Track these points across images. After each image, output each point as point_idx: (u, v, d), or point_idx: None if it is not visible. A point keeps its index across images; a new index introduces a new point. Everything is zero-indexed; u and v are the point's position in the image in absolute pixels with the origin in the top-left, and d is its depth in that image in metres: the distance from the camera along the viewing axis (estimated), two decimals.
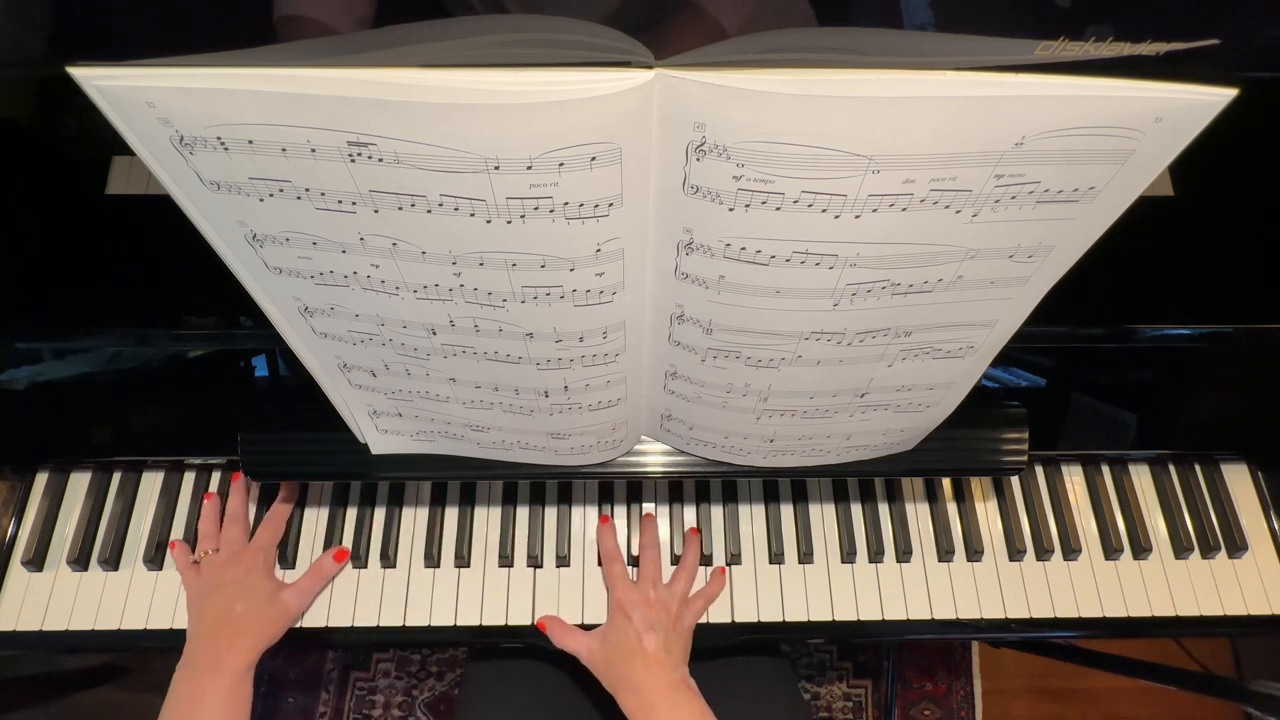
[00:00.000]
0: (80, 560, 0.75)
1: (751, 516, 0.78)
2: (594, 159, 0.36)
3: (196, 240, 0.43)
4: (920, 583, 0.76)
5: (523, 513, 0.78)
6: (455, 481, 0.78)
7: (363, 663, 1.41)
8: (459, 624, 0.74)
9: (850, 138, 0.35)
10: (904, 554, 0.77)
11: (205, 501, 0.76)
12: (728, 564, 0.76)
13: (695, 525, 0.78)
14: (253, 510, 0.78)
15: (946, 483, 0.80)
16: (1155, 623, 0.75)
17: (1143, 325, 0.70)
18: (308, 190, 0.38)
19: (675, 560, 0.76)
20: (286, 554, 0.75)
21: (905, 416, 0.60)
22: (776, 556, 0.76)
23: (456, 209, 0.38)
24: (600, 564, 0.76)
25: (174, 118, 0.35)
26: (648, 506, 0.78)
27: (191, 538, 0.76)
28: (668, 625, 0.69)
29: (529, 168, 0.36)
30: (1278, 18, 0.59)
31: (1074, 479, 0.81)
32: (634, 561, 0.76)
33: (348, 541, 0.76)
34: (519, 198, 0.38)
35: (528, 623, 0.74)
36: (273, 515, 0.75)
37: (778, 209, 0.39)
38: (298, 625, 0.73)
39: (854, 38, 0.37)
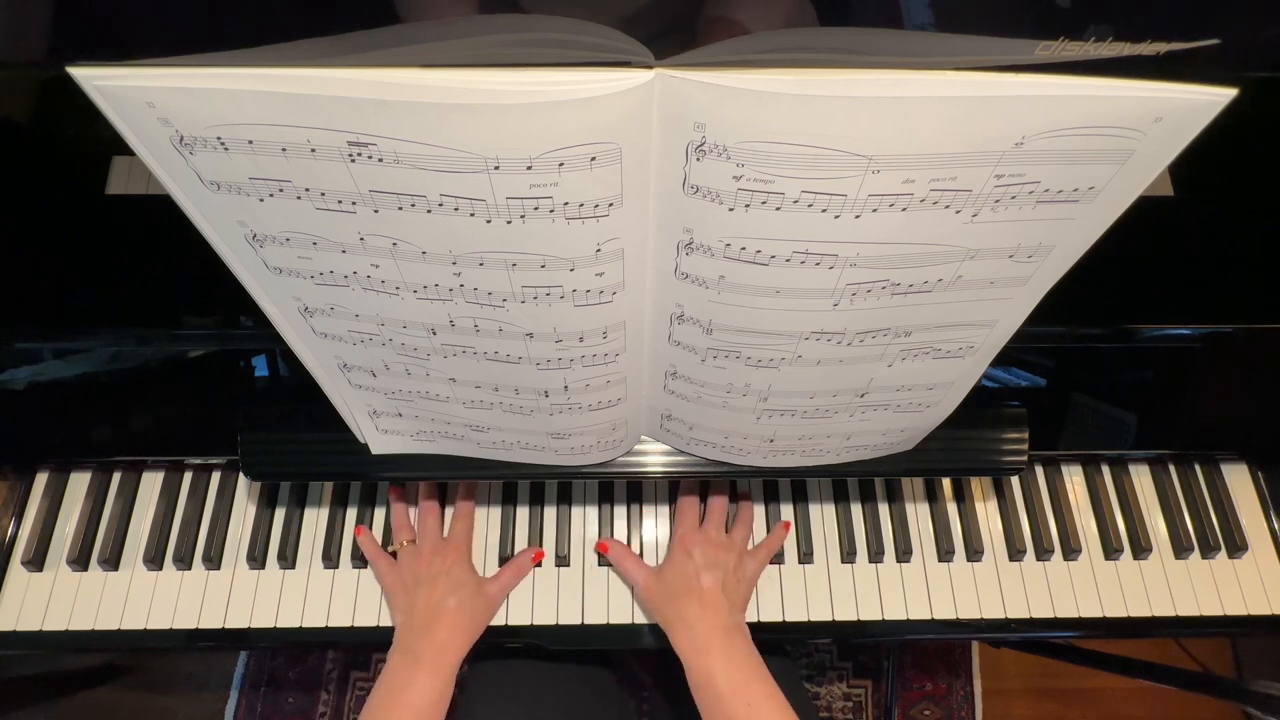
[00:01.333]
0: (80, 560, 0.75)
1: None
2: (594, 159, 0.36)
3: (196, 240, 0.43)
4: (920, 583, 0.76)
5: (522, 513, 0.78)
6: (455, 481, 0.78)
7: (363, 663, 1.41)
8: None
9: (850, 138, 0.35)
10: (904, 554, 0.77)
11: (392, 493, 0.76)
12: None
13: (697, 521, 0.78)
14: (253, 510, 0.78)
15: (946, 483, 0.80)
16: (1155, 623, 0.75)
17: (1143, 325, 0.70)
18: (308, 190, 0.38)
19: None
20: (286, 553, 0.75)
21: (905, 416, 0.60)
22: (776, 557, 0.76)
23: (456, 209, 0.38)
24: (601, 564, 0.76)
25: (174, 118, 0.35)
26: (648, 507, 0.79)
27: (192, 538, 0.76)
28: (728, 568, 0.69)
29: (529, 168, 0.36)
30: (1278, 18, 0.59)
31: (1074, 479, 0.81)
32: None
33: (348, 541, 0.76)
34: (519, 198, 0.38)
35: (528, 623, 0.74)
36: (462, 508, 0.76)
37: (778, 209, 0.39)
38: (298, 625, 0.73)
39: (854, 38, 0.37)
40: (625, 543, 0.76)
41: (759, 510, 0.78)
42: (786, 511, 0.79)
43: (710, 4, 0.63)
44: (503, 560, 0.76)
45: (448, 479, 0.77)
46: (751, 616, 0.74)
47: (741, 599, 0.70)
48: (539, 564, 0.76)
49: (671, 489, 0.79)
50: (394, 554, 0.73)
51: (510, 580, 0.74)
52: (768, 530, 0.77)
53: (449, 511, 0.77)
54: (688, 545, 0.70)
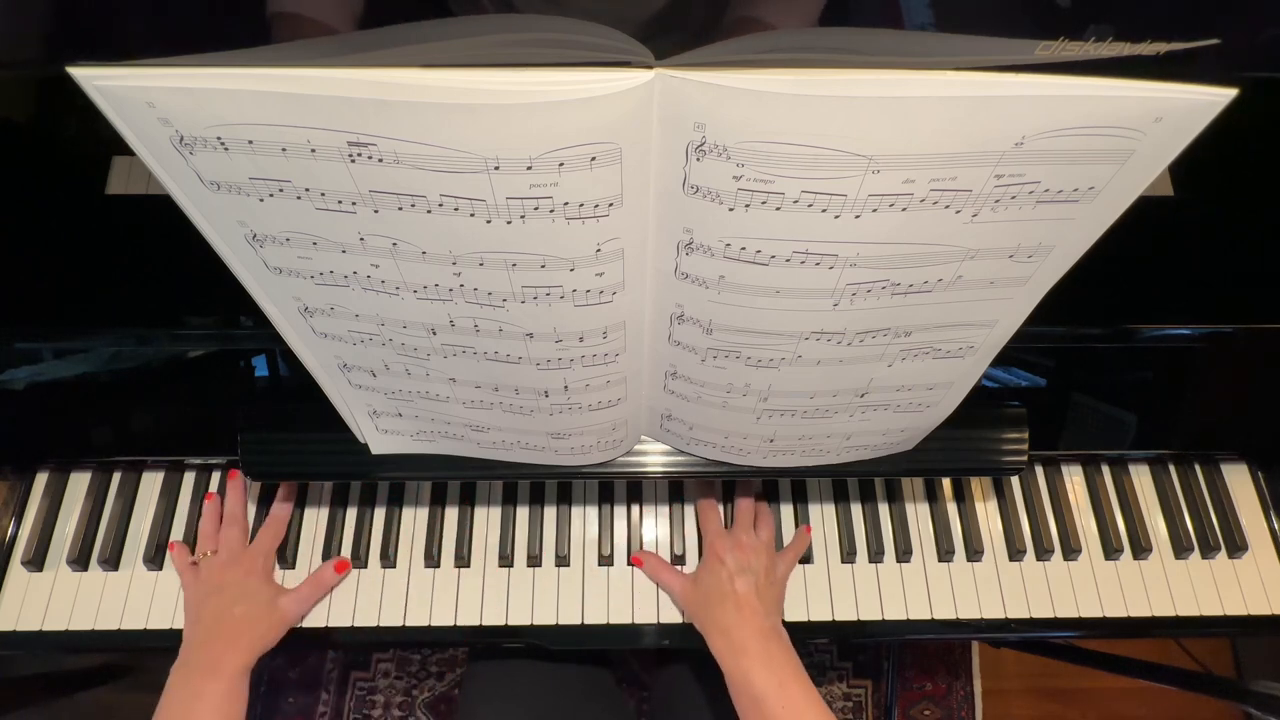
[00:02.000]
0: (80, 560, 0.75)
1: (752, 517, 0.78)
2: (594, 159, 0.36)
3: (196, 240, 0.43)
4: (920, 583, 0.76)
5: (523, 513, 0.78)
6: (455, 481, 0.78)
7: (363, 663, 1.41)
8: (459, 624, 0.74)
9: (850, 138, 0.35)
10: (904, 554, 0.77)
11: (206, 502, 0.75)
12: None
13: (698, 521, 0.78)
14: (252, 510, 0.78)
15: (946, 483, 0.80)
16: (1155, 623, 0.75)
17: (1143, 325, 0.70)
18: (308, 190, 0.38)
19: (676, 561, 0.76)
20: (286, 554, 0.75)
21: (905, 416, 0.60)
22: None
23: (456, 209, 0.38)
24: (599, 564, 0.76)
25: (174, 118, 0.35)
26: (648, 507, 0.79)
27: (192, 538, 0.76)
28: (760, 571, 0.69)
29: (529, 168, 0.36)
30: (1278, 18, 0.60)
31: (1074, 479, 0.81)
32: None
33: (348, 541, 0.76)
34: (519, 198, 0.38)
35: (528, 623, 0.74)
36: (273, 518, 0.75)
37: (778, 209, 0.39)
38: (298, 625, 0.73)
39: (854, 38, 0.37)
40: (625, 543, 0.76)
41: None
42: (786, 511, 0.79)
43: (738, 4, 0.63)
44: (502, 561, 0.76)
45: (448, 479, 0.77)
46: None
47: (776, 601, 0.70)
48: (344, 573, 0.74)
49: (672, 489, 0.79)
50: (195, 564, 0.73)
51: (309, 593, 0.72)
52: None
53: (423, 514, 0.77)
54: (719, 551, 0.70)
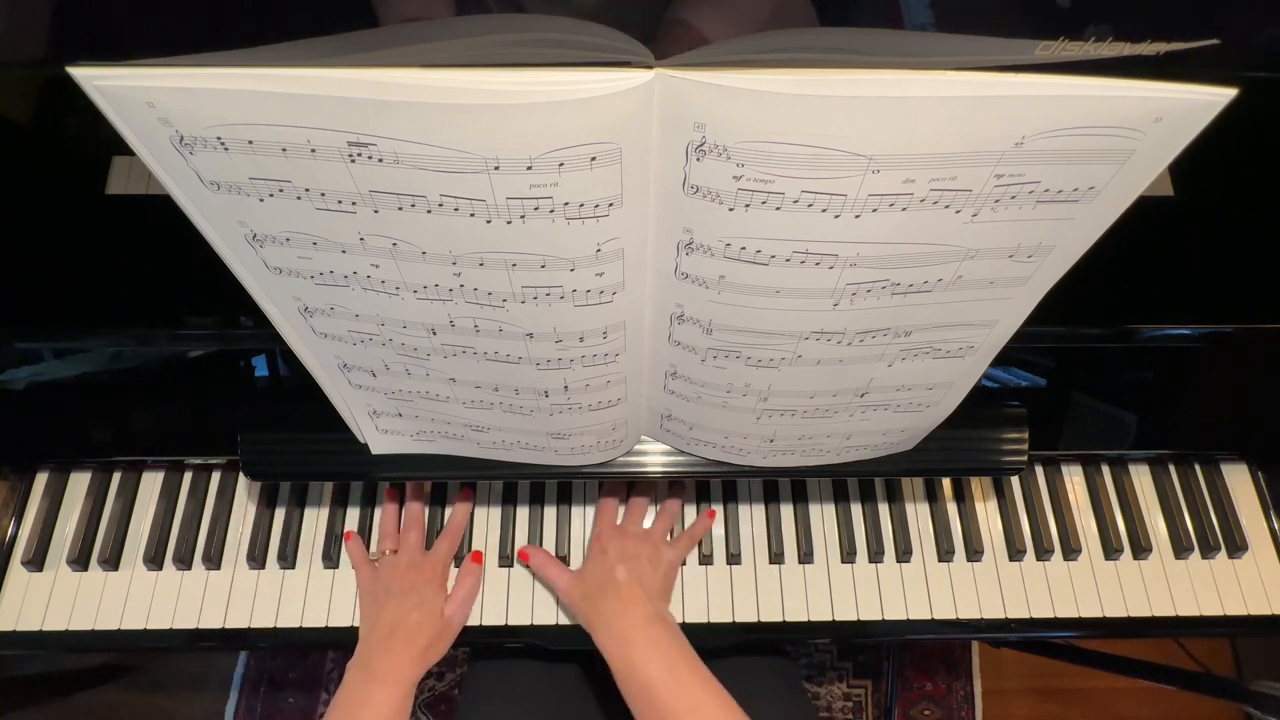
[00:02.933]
0: (80, 560, 0.75)
1: (751, 516, 0.78)
2: (594, 159, 0.36)
3: (196, 240, 0.43)
4: (920, 583, 0.76)
5: (522, 513, 0.78)
6: (455, 481, 0.78)
7: None
8: None
9: (850, 138, 0.35)
10: (904, 554, 0.77)
11: (386, 498, 0.76)
12: (728, 563, 0.76)
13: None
14: (253, 511, 0.78)
15: (946, 483, 0.80)
16: (1155, 623, 0.75)
17: (1143, 325, 0.70)
18: (308, 190, 0.38)
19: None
20: (286, 553, 0.75)
21: (905, 416, 0.60)
22: (776, 556, 0.76)
23: (456, 209, 0.38)
24: None
25: (174, 118, 0.35)
26: (648, 507, 0.78)
27: (193, 538, 0.76)
28: (643, 558, 0.69)
29: (529, 168, 0.36)
30: (1278, 18, 0.59)
31: (1074, 479, 0.81)
32: None
33: None
34: (519, 198, 0.38)
35: (528, 623, 0.74)
36: (452, 525, 0.75)
37: (778, 209, 0.39)
38: (299, 626, 0.73)
39: (854, 38, 0.37)
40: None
41: (758, 510, 0.78)
42: (787, 511, 0.79)
43: (673, 6, 0.62)
44: (502, 561, 0.76)
45: (448, 479, 0.77)
46: (750, 617, 0.74)
47: (659, 587, 0.69)
48: (481, 564, 0.75)
49: (671, 489, 0.79)
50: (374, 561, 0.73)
51: (466, 594, 0.72)
52: (767, 529, 0.77)
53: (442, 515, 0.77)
54: (603, 542, 0.70)
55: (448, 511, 0.78)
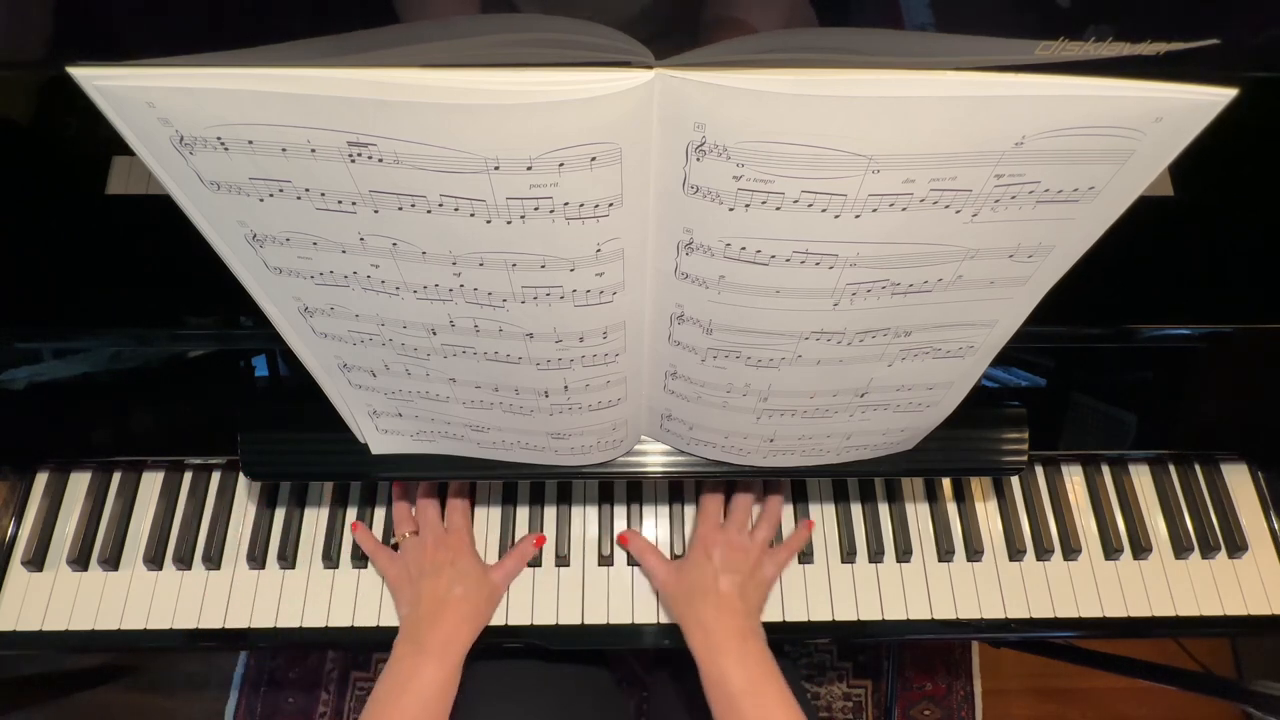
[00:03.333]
0: (80, 560, 0.75)
1: (751, 517, 0.78)
2: (594, 159, 0.36)
3: (196, 240, 0.43)
4: (920, 583, 0.76)
5: (522, 513, 0.78)
6: (455, 481, 0.78)
7: (363, 663, 1.41)
8: None
9: (850, 138, 0.35)
10: (904, 554, 0.77)
11: (395, 487, 0.76)
12: None
13: (697, 521, 0.78)
14: (253, 510, 0.78)
15: (946, 483, 0.80)
16: (1155, 623, 0.75)
17: (1143, 325, 0.70)
18: (308, 190, 0.38)
19: (676, 559, 0.76)
20: (286, 553, 0.75)
21: (905, 416, 0.60)
22: None
23: (456, 209, 0.38)
24: (599, 564, 0.76)
25: (174, 118, 0.35)
26: (648, 507, 0.79)
27: (192, 539, 0.76)
28: (746, 571, 0.69)
29: (529, 168, 0.36)
30: (1278, 18, 0.59)
31: (1074, 479, 0.81)
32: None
33: (348, 541, 0.76)
34: (519, 198, 0.38)
35: (527, 623, 0.74)
36: (456, 501, 0.76)
37: (778, 209, 0.39)
38: (299, 625, 0.73)
39: (854, 38, 0.37)
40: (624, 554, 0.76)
41: (758, 510, 0.78)
42: (786, 511, 0.79)
43: (715, 4, 0.63)
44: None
45: (448, 479, 0.77)
46: None
47: (758, 602, 0.70)
48: (541, 549, 0.76)
49: (672, 489, 0.79)
50: (394, 546, 0.73)
51: (514, 567, 0.74)
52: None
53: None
54: (708, 546, 0.70)
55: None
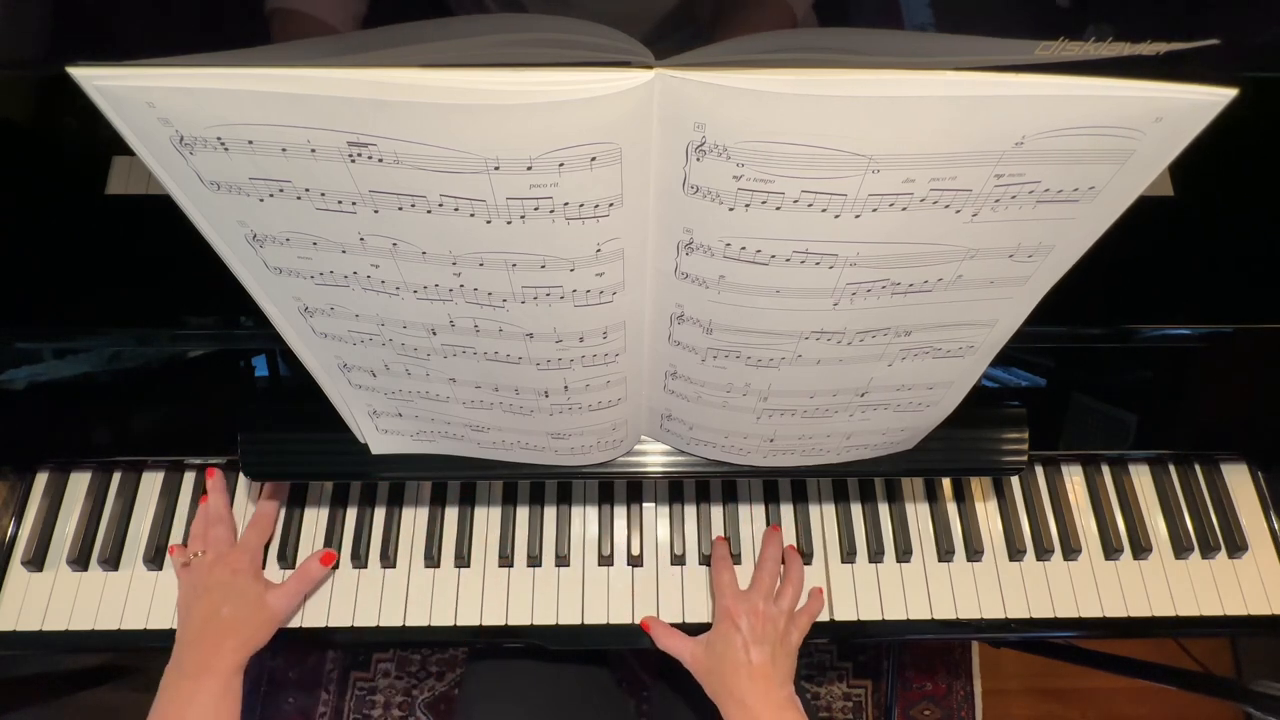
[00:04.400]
0: (80, 560, 0.75)
1: (751, 516, 0.78)
2: (594, 159, 0.36)
3: (196, 240, 0.43)
4: (920, 583, 0.76)
5: (523, 513, 0.78)
6: (455, 481, 0.78)
7: (363, 663, 1.41)
8: (459, 624, 0.74)
9: (850, 138, 0.35)
10: (904, 554, 0.77)
11: (201, 504, 0.75)
12: None
13: (774, 524, 0.77)
14: (252, 510, 0.78)
15: (946, 483, 0.80)
16: (1155, 623, 0.75)
17: (1143, 325, 0.70)
18: (308, 190, 0.38)
19: (676, 560, 0.76)
20: (286, 553, 0.75)
21: (905, 416, 0.60)
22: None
23: (456, 209, 0.38)
24: (599, 564, 0.76)
25: (174, 118, 0.35)
26: (648, 506, 0.79)
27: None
28: (775, 640, 0.68)
29: (529, 168, 0.36)
30: (1278, 18, 0.60)
31: (1074, 479, 0.81)
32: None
33: (348, 541, 0.76)
34: (519, 198, 0.38)
35: (527, 623, 0.74)
36: (259, 515, 0.74)
37: (778, 209, 0.39)
38: (298, 625, 0.73)
39: (854, 38, 0.37)
40: (625, 543, 0.76)
41: (758, 510, 0.78)
42: (786, 511, 0.79)
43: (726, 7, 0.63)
44: (502, 561, 0.76)
45: (448, 479, 0.77)
46: None
47: (789, 670, 0.69)
48: (334, 566, 0.74)
49: (672, 489, 0.79)
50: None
51: (296, 587, 0.71)
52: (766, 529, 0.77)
53: (427, 514, 0.77)
54: (734, 617, 0.69)
55: (447, 512, 0.78)
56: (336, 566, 0.75)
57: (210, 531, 0.73)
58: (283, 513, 0.78)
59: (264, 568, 0.74)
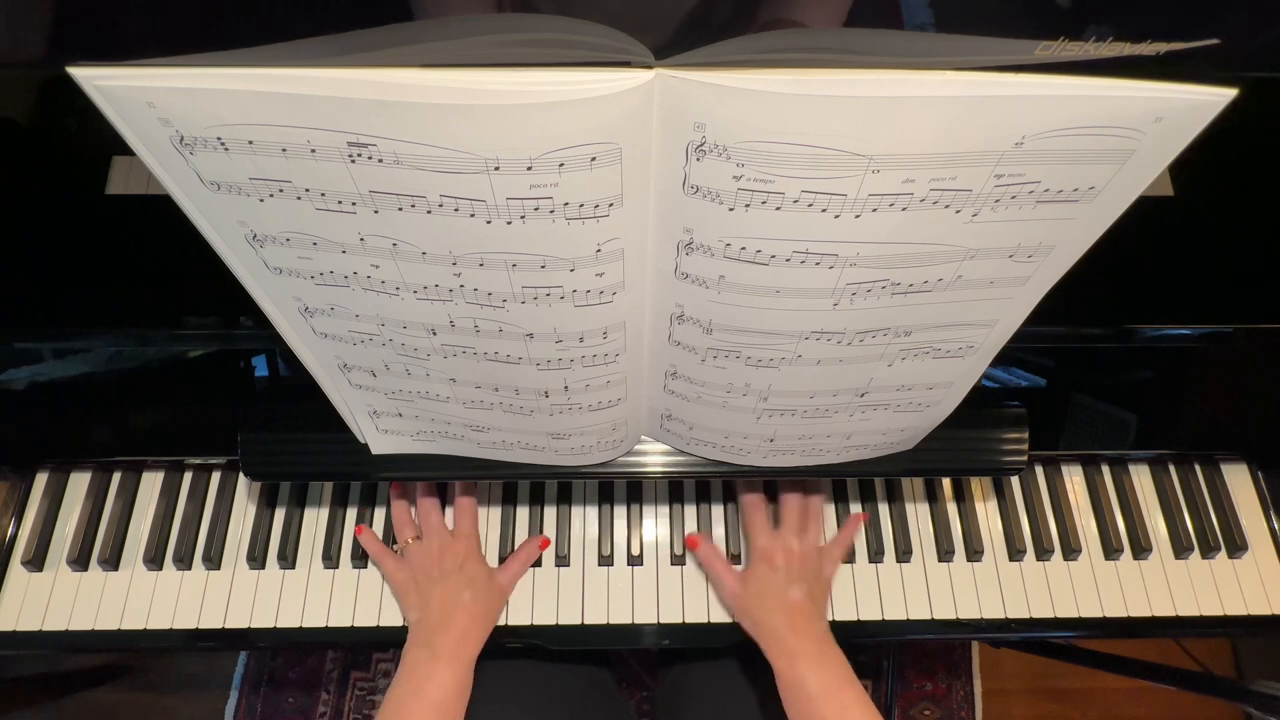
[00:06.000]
0: (80, 560, 0.75)
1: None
2: (594, 159, 0.36)
3: (196, 240, 0.43)
4: (920, 583, 0.76)
5: (522, 513, 0.78)
6: (455, 481, 0.78)
7: (363, 663, 1.41)
8: None
9: (850, 138, 0.35)
10: (904, 554, 0.77)
11: (393, 490, 0.76)
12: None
13: (698, 521, 0.78)
14: (252, 510, 0.78)
15: (946, 483, 0.80)
16: (1155, 623, 0.75)
17: (1143, 325, 0.70)
18: (308, 190, 0.38)
19: (676, 561, 0.76)
20: (286, 553, 0.75)
21: (905, 416, 0.60)
22: None
23: (456, 209, 0.38)
24: (599, 564, 0.76)
25: (174, 118, 0.35)
26: (648, 506, 0.79)
27: (192, 538, 0.76)
28: (811, 577, 0.70)
29: (529, 168, 0.36)
30: (1278, 18, 0.59)
31: (1074, 479, 0.81)
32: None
33: (348, 542, 0.76)
34: (519, 198, 0.38)
35: (527, 623, 0.74)
36: (463, 503, 0.76)
37: (778, 209, 0.39)
38: (298, 625, 0.73)
39: (854, 38, 0.37)
40: (625, 543, 0.76)
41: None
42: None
43: (769, 6, 0.62)
44: (502, 560, 0.76)
45: (448, 479, 0.77)
46: None
47: (824, 604, 0.71)
48: (547, 548, 0.76)
49: (672, 489, 0.79)
50: (398, 551, 0.73)
51: (520, 569, 0.75)
52: None
53: (448, 508, 0.77)
54: (769, 555, 0.70)
55: (448, 510, 0.77)
56: (361, 569, 0.75)
57: (429, 518, 0.74)
58: (282, 512, 0.78)
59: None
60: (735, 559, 0.76)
